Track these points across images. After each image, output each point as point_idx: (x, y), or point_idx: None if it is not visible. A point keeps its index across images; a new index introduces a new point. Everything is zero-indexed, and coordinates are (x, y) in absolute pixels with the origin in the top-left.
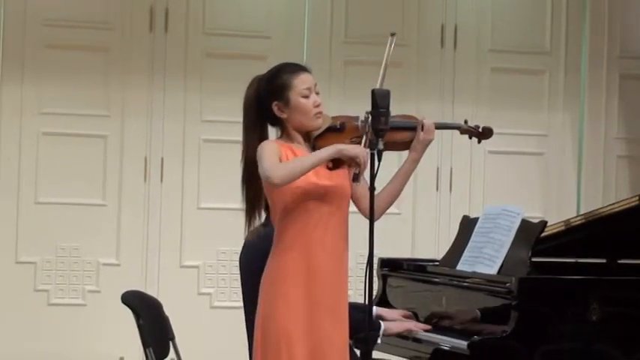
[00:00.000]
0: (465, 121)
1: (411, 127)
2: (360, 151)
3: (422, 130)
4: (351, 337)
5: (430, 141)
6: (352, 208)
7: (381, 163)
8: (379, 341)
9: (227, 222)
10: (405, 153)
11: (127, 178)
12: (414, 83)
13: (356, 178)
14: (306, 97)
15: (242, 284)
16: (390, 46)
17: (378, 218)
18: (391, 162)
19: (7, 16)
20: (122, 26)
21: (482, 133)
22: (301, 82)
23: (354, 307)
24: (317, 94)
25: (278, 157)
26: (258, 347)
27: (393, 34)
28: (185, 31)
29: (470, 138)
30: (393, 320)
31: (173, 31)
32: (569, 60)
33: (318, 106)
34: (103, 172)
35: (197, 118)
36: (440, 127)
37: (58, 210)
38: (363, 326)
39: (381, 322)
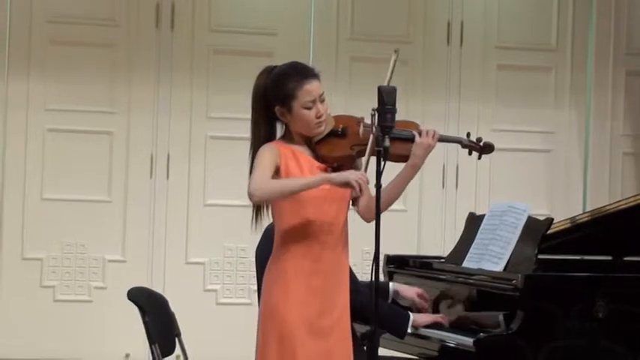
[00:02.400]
0: (468, 134)
1: (412, 138)
2: (350, 175)
3: (421, 135)
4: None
5: (430, 147)
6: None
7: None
8: (409, 330)
9: (233, 219)
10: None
11: (132, 174)
12: (420, 80)
13: (354, 202)
14: (309, 108)
15: (257, 275)
16: (394, 62)
17: (372, 220)
18: (390, 165)
19: (14, 13)
20: (128, 23)
21: (483, 149)
22: (306, 94)
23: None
24: (322, 101)
25: (274, 165)
26: (260, 342)
27: (396, 51)
28: (191, 27)
29: (470, 154)
30: (411, 298)
31: (179, 27)
32: (575, 57)
33: (320, 116)
34: (109, 168)
35: (203, 114)
36: (442, 140)
37: (63, 206)
38: (386, 320)
39: (410, 313)
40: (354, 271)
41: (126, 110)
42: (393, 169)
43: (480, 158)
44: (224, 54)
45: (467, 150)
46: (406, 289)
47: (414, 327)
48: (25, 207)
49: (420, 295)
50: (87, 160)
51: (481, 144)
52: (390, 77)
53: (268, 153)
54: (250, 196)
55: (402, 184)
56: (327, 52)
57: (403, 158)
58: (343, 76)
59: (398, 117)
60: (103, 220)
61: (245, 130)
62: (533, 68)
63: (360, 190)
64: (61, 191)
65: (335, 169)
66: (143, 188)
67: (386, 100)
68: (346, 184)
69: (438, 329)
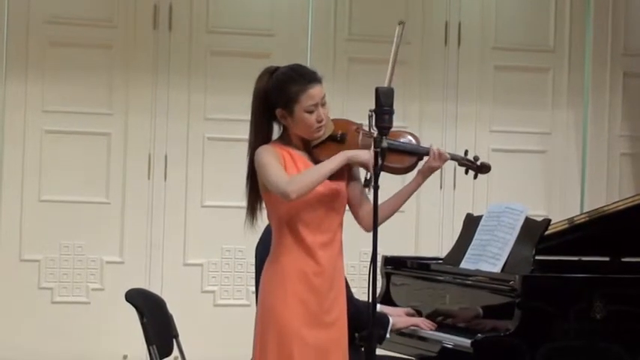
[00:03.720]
0: (466, 152)
1: (420, 153)
2: (366, 156)
3: (435, 158)
4: (358, 331)
5: (438, 168)
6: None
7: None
8: (388, 336)
9: (231, 220)
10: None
11: (130, 175)
12: (417, 81)
13: (367, 184)
14: (311, 112)
15: (256, 272)
16: (399, 35)
17: (370, 230)
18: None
19: (11, 14)
20: (126, 24)
21: (480, 168)
22: (308, 98)
23: (362, 304)
24: (323, 105)
25: (280, 164)
26: (258, 342)
27: (401, 23)
28: (189, 28)
29: (466, 172)
30: (398, 317)
31: (177, 28)
32: (572, 58)
33: (321, 121)
34: (107, 169)
35: (201, 115)
36: None
37: (61, 208)
38: (368, 325)
39: (389, 317)
40: (350, 277)
41: (123, 111)
42: (387, 175)
43: (475, 177)
44: (222, 55)
45: (464, 169)
46: (393, 311)
47: (393, 331)
48: (22, 208)
49: (408, 314)
50: (84, 162)
51: (478, 163)
52: (396, 51)
53: (270, 153)
54: (286, 196)
55: (406, 198)
56: (325, 53)
57: (399, 170)
58: (341, 77)
59: (395, 118)
60: (101, 221)
61: (243, 132)
62: (530, 69)
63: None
64: (59, 193)
65: (331, 175)
66: (141, 190)
67: (383, 101)
68: (363, 165)
69: (436, 330)
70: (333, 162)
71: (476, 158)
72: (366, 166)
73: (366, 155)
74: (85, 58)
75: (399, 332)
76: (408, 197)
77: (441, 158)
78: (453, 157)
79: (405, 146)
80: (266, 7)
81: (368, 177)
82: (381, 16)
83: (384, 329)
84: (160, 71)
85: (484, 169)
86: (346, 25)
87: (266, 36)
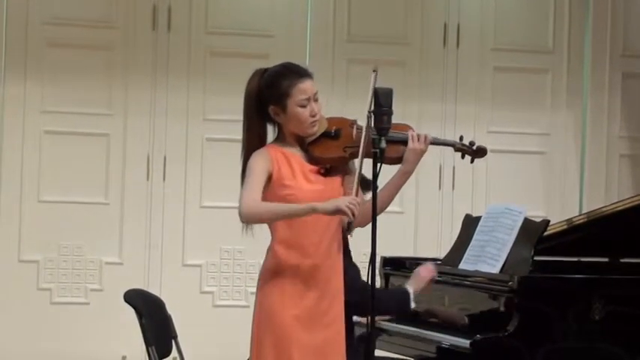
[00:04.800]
0: (461, 138)
1: (405, 140)
2: (340, 202)
3: (413, 140)
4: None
5: (422, 152)
6: None
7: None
8: (412, 305)
9: (229, 221)
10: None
11: (129, 176)
12: (416, 82)
13: (348, 227)
14: (304, 106)
15: None
16: (374, 82)
17: (365, 226)
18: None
19: (10, 15)
20: (125, 25)
21: (476, 152)
22: (300, 92)
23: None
24: (316, 101)
25: (266, 175)
26: (254, 342)
27: (374, 70)
28: (188, 29)
29: (462, 157)
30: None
31: (176, 29)
32: (571, 59)
33: (314, 115)
34: (106, 170)
35: (200, 116)
36: (434, 143)
37: (60, 209)
38: (389, 304)
39: (407, 287)
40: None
41: (122, 112)
42: (385, 171)
43: (472, 162)
44: (221, 56)
45: (460, 153)
46: (413, 286)
47: (416, 295)
48: (21, 209)
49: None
50: (84, 163)
51: (474, 147)
52: (372, 100)
53: (261, 161)
54: (239, 216)
55: (393, 190)
56: (324, 54)
57: (395, 160)
58: (340, 78)
59: (394, 119)
60: (100, 222)
61: (241, 133)
62: (529, 70)
63: (353, 215)
64: (58, 193)
65: (327, 171)
66: (140, 190)
67: (382, 102)
68: (338, 212)
69: (435, 331)
70: (298, 210)
71: (471, 143)
72: (339, 213)
73: (335, 202)
74: (84, 59)
75: (398, 333)
76: (399, 189)
77: (422, 141)
78: (449, 143)
79: (398, 136)
80: (265, 8)
81: (349, 220)
82: (380, 18)
83: (407, 300)
84: (159, 72)
85: (480, 152)
86: (345, 27)
87: (265, 37)
